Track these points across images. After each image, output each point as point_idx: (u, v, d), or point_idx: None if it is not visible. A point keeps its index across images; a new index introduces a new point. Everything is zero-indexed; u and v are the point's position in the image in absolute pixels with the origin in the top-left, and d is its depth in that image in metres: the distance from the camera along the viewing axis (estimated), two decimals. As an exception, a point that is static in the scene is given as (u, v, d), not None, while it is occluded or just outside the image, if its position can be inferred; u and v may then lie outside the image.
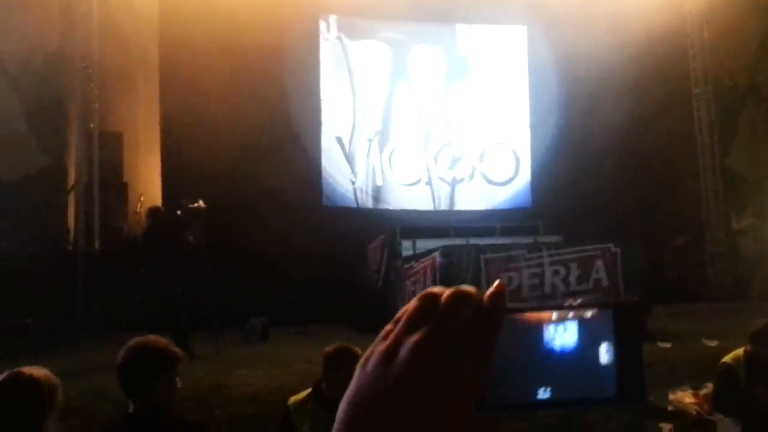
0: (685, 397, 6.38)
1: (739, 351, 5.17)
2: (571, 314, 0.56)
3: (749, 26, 13.70)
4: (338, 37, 14.18)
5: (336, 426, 0.56)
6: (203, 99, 12.14)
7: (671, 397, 6.34)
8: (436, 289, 0.58)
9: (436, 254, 9.47)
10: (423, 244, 10.45)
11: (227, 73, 12.32)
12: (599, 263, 9.48)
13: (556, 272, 9.38)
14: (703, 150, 14.45)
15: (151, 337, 3.18)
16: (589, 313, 0.57)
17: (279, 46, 12.59)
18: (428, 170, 14.46)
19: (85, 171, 11.80)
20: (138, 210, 11.80)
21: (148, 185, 12.52)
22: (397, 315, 0.58)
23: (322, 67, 14.03)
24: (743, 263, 13.24)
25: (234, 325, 9.73)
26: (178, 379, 3.15)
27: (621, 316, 0.56)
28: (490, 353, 0.55)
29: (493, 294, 0.57)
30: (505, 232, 11.48)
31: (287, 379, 6.67)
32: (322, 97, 13.93)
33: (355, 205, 14.00)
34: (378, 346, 0.57)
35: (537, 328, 0.56)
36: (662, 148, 14.19)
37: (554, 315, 0.57)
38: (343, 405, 0.56)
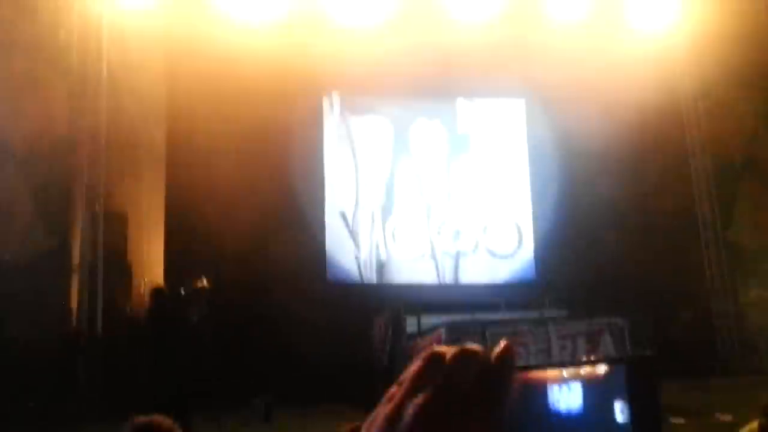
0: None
1: (754, 425, 5.05)
2: (582, 372, 0.54)
3: (744, 100, 13.94)
4: (341, 113, 14.48)
5: None
6: (208, 180, 12.29)
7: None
8: (441, 348, 0.57)
9: (441, 330, 9.39)
10: (428, 320, 10.37)
11: (232, 155, 12.49)
12: (606, 337, 9.39)
13: (564, 347, 9.28)
14: (704, 223, 14.48)
15: (156, 418, 3.09)
16: (602, 370, 0.55)
17: (283, 126, 12.82)
18: (432, 244, 14.49)
19: (89, 252, 11.83)
20: (142, 291, 11.76)
21: (152, 265, 12.53)
22: (402, 377, 0.57)
23: (325, 143, 14.28)
24: (752, 335, 13.07)
25: (238, 403, 9.56)
26: None
27: (636, 372, 0.54)
28: (502, 412, 0.53)
29: (501, 352, 0.56)
30: (511, 306, 11.42)
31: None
32: (325, 173, 14.12)
33: (359, 280, 13.97)
34: (382, 409, 0.56)
35: (544, 390, 0.54)
36: (663, 220, 14.21)
37: (565, 373, 0.55)
38: None
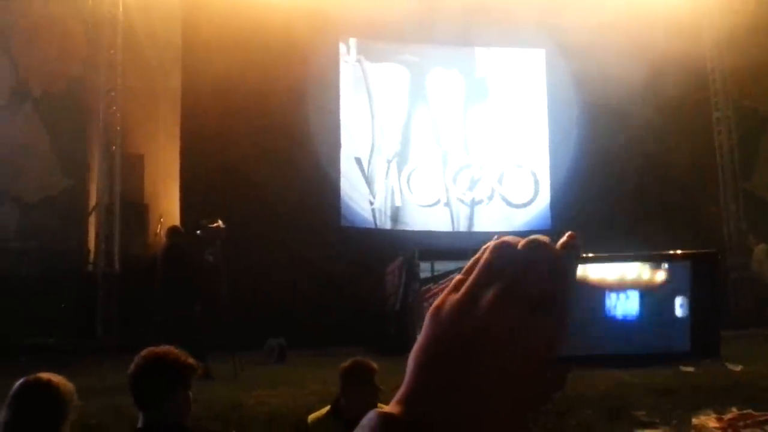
0: (708, 421, 6.25)
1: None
2: (641, 280, 0.54)
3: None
4: (358, 60, 14.32)
5: (410, 377, 0.55)
6: (223, 122, 12.26)
7: (694, 421, 6.23)
8: (509, 238, 0.57)
9: (455, 276, 9.41)
10: (441, 266, 10.38)
11: (247, 97, 12.44)
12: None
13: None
14: (724, 174, 14.32)
15: (164, 348, 3.00)
16: (662, 277, 0.55)
17: (299, 69, 12.72)
18: (447, 192, 14.46)
19: (107, 192, 11.92)
20: (158, 231, 11.88)
21: (168, 207, 12.62)
22: (468, 265, 0.57)
23: (341, 89, 14.15)
24: (765, 288, 13.02)
25: (252, 346, 9.71)
26: (191, 393, 2.98)
27: (701, 267, 0.54)
28: (570, 303, 0.54)
29: (566, 240, 0.57)
30: (525, 254, 11.40)
31: (304, 400, 6.63)
32: (341, 119, 14.03)
33: (373, 226, 14.01)
34: (451, 296, 0.56)
35: (602, 295, 0.55)
36: (683, 171, 14.08)
37: (625, 279, 0.55)
38: (415, 355, 0.55)
